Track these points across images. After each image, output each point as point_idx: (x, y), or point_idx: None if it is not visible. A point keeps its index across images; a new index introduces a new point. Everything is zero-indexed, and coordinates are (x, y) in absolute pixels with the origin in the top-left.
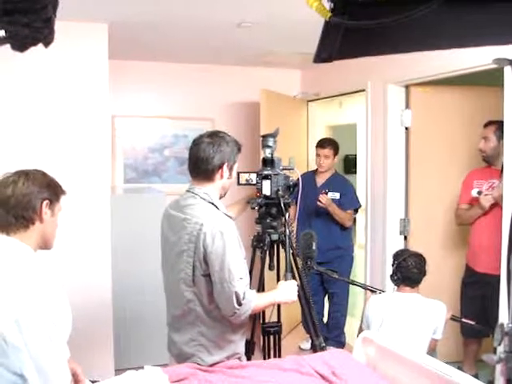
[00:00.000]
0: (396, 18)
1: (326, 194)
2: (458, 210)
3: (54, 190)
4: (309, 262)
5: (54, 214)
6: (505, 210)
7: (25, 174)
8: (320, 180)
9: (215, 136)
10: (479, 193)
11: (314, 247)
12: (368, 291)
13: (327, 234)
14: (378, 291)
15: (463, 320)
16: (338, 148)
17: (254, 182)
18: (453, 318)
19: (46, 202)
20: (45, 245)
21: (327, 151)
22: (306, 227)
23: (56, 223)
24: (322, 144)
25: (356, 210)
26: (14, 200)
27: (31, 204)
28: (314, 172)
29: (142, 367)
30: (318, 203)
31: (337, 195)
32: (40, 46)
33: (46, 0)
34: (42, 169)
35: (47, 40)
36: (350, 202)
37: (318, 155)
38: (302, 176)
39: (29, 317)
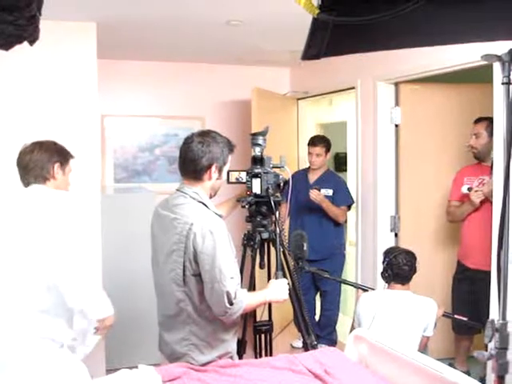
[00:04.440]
0: (385, 15)
1: (319, 190)
2: (449, 206)
3: (63, 155)
4: (300, 263)
5: (64, 173)
6: (495, 207)
7: (39, 144)
8: (313, 177)
9: (206, 136)
10: (469, 189)
11: (304, 248)
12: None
13: (320, 232)
14: (370, 290)
15: (456, 316)
16: (330, 145)
17: (244, 180)
18: (445, 315)
19: (57, 165)
20: None
21: (319, 149)
22: (299, 225)
23: (68, 181)
24: (313, 142)
25: (349, 207)
26: (31, 164)
27: (45, 167)
28: (307, 170)
29: (134, 367)
30: (311, 198)
31: (330, 192)
32: (26, 45)
33: None
34: None
35: (32, 38)
36: (343, 198)
37: (309, 153)
38: (294, 174)
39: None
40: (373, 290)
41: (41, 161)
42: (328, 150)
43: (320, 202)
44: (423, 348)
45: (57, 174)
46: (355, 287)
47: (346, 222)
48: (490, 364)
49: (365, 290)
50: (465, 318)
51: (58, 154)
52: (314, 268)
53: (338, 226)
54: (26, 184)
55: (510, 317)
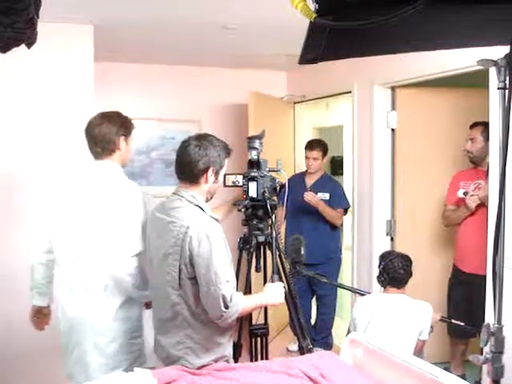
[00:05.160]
0: (382, 19)
1: (315, 193)
2: (445, 211)
3: (128, 127)
4: (297, 267)
5: (128, 144)
6: (490, 211)
7: (107, 118)
8: (309, 181)
9: (203, 139)
10: (465, 193)
11: (302, 252)
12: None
13: (316, 236)
14: (366, 294)
15: (453, 321)
16: (327, 149)
17: (241, 183)
18: (443, 320)
19: (122, 138)
20: (122, 165)
21: (316, 153)
22: (296, 228)
23: (130, 150)
24: (310, 146)
25: (346, 211)
26: (100, 137)
27: (112, 139)
28: (304, 173)
29: (130, 370)
30: (305, 199)
31: (326, 195)
32: (23, 47)
33: (28, 1)
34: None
35: (30, 41)
36: (340, 200)
37: (306, 157)
38: (291, 178)
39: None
40: (369, 294)
41: (108, 134)
42: (325, 153)
43: (315, 204)
44: (419, 352)
45: (121, 146)
46: (352, 291)
47: (342, 225)
48: (485, 368)
49: (361, 295)
50: (462, 323)
51: (124, 126)
52: (312, 272)
53: (335, 229)
54: (95, 154)
55: (506, 321)
